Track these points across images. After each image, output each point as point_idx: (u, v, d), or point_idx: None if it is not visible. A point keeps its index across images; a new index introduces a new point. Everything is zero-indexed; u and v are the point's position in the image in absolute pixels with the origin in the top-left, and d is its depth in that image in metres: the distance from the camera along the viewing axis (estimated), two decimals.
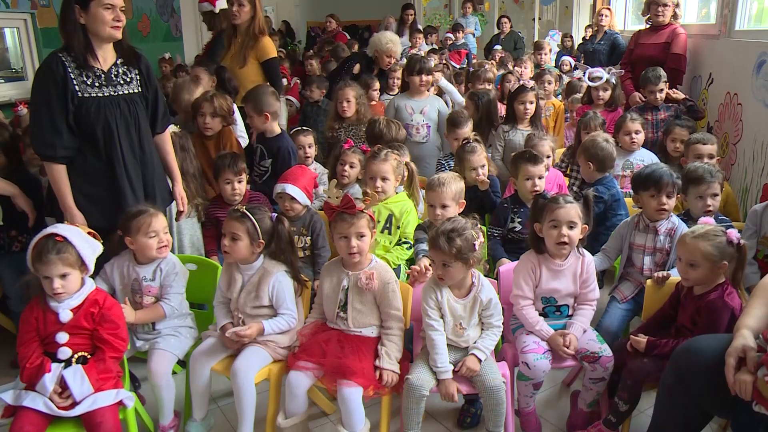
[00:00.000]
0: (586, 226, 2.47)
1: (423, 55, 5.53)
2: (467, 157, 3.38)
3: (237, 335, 2.38)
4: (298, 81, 6.30)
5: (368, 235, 2.40)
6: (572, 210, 2.41)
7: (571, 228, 2.40)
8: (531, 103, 4.15)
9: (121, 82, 2.65)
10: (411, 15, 8.60)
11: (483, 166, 3.39)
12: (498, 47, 8.03)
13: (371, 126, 3.83)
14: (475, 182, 3.35)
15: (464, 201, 2.94)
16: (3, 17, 5.59)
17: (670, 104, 4.41)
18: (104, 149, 2.60)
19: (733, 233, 2.25)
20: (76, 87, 2.53)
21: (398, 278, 2.55)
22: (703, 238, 2.24)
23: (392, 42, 4.78)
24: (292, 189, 3.02)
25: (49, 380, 2.12)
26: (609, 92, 4.77)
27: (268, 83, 4.06)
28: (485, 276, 2.48)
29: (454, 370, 2.30)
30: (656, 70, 4.40)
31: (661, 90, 4.37)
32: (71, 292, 2.21)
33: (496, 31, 9.09)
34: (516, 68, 6.10)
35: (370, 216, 2.42)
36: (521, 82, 4.31)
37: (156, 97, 2.79)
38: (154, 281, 2.58)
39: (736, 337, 1.89)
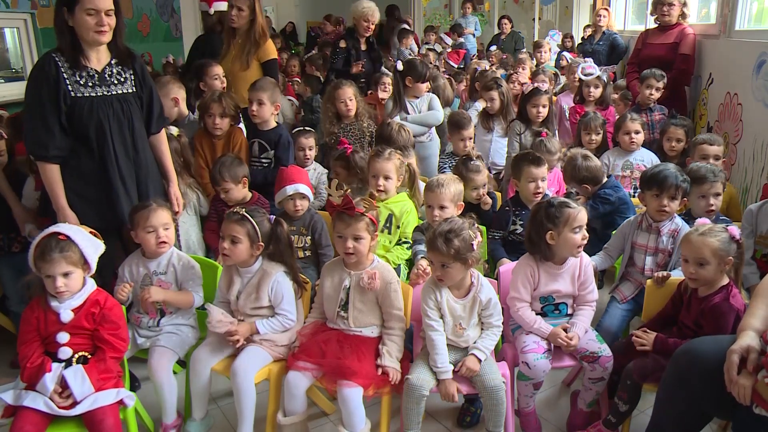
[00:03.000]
0: None
1: (415, 56, 5.55)
2: (471, 177, 3.24)
3: (229, 332, 2.39)
4: (289, 83, 6.32)
5: (366, 238, 2.38)
6: (584, 212, 2.43)
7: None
8: (544, 107, 4.17)
9: (115, 82, 2.64)
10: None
11: (485, 185, 3.34)
12: (493, 48, 8.03)
13: (382, 128, 3.82)
14: (477, 201, 3.29)
15: (463, 203, 2.93)
16: (3, 17, 5.59)
17: (664, 105, 4.43)
18: (97, 149, 2.60)
19: (734, 229, 2.26)
20: (69, 87, 2.52)
21: (398, 278, 2.55)
22: (708, 234, 2.23)
23: (368, 7, 4.75)
24: (305, 188, 3.02)
25: (50, 380, 2.12)
26: (600, 89, 4.76)
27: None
28: (485, 276, 2.49)
29: (454, 370, 2.30)
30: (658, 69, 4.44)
31: (658, 89, 4.40)
32: (74, 290, 2.21)
33: (497, 31, 9.09)
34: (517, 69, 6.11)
35: (371, 219, 2.40)
36: (526, 84, 4.34)
37: (151, 97, 2.78)
38: (166, 275, 2.59)
39: (742, 336, 1.88)
